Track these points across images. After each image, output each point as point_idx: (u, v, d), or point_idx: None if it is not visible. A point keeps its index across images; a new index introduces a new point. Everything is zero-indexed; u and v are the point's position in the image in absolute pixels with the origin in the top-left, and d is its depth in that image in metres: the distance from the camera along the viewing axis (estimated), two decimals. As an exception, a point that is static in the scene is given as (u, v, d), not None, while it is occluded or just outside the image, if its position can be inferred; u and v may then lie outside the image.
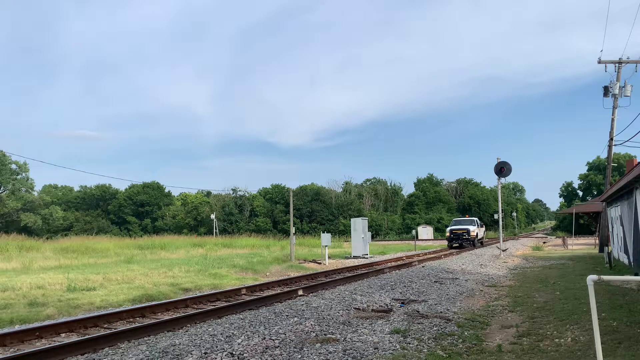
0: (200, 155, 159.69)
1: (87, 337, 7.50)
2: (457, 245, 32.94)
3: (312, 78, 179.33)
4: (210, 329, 7.80)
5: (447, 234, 34.33)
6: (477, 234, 33.82)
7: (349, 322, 8.29)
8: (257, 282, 15.18)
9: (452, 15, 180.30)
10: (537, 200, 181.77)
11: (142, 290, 13.14)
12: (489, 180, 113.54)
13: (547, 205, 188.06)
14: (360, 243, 26.83)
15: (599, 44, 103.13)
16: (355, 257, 26.33)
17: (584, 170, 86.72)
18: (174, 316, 9.51)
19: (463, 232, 32.82)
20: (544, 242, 44.89)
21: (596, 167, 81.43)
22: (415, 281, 13.87)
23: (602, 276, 4.74)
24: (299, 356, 6.20)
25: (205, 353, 6.30)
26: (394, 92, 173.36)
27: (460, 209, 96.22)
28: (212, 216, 69.52)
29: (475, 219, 36.94)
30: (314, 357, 6.14)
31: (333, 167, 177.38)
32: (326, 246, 23.55)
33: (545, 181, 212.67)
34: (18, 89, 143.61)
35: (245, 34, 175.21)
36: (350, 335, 7.29)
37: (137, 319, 9.46)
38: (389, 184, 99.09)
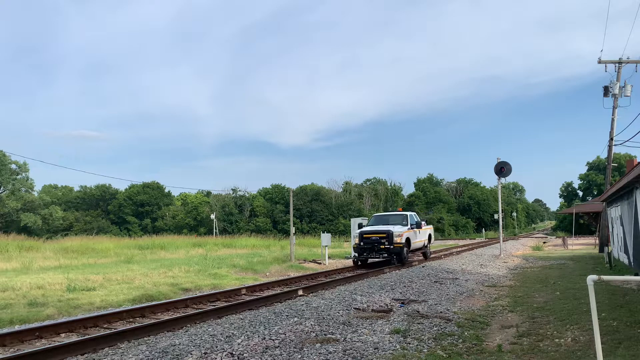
0: (200, 155, 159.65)
1: (87, 337, 7.49)
2: (378, 257, 19.68)
3: (312, 78, 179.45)
4: (210, 329, 7.80)
5: (356, 241, 19.81)
6: (407, 239, 19.62)
7: (349, 322, 8.29)
8: (257, 282, 15.17)
9: (452, 15, 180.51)
10: (537, 200, 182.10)
11: (142, 290, 13.14)
12: (489, 180, 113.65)
13: (547, 205, 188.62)
14: (360, 243, 26.72)
15: (599, 44, 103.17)
16: (355, 257, 26.24)
17: (584, 170, 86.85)
18: (174, 316, 9.50)
19: (381, 238, 19.12)
20: (544, 242, 44.90)
21: (596, 167, 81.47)
22: (415, 281, 13.87)
23: (602, 276, 4.74)
24: (299, 356, 6.20)
25: (205, 353, 6.30)
26: (394, 92, 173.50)
27: (460, 209, 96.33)
28: (212, 216, 69.53)
29: (409, 214, 21.62)
30: (314, 357, 6.14)
31: (333, 167, 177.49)
32: (326, 246, 23.53)
33: (545, 181, 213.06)
34: (18, 89, 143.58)
35: (245, 34, 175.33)
36: (350, 336, 7.29)
37: (137, 319, 9.46)
38: (389, 184, 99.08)
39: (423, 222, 22.16)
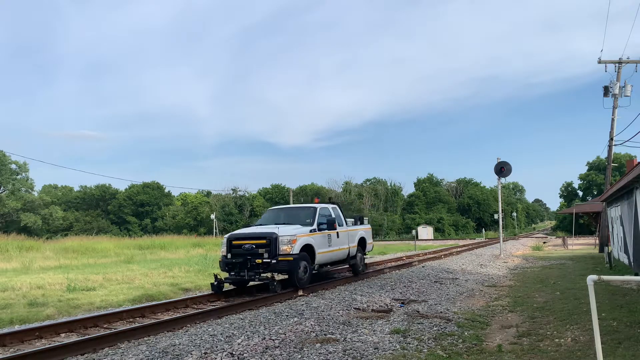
0: (200, 155, 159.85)
1: (87, 337, 7.49)
2: (256, 279, 11.70)
3: (312, 78, 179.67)
4: (210, 329, 7.80)
5: (223, 251, 12.31)
6: (306, 247, 12.27)
7: (349, 322, 8.30)
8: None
9: (452, 15, 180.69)
10: (537, 200, 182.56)
11: (142, 290, 13.14)
12: (489, 180, 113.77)
13: (547, 205, 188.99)
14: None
15: (599, 44, 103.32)
16: (355, 257, 26.12)
17: (584, 170, 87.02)
18: (174, 316, 9.50)
19: (259, 246, 11.73)
20: (544, 242, 44.92)
21: (596, 167, 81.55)
22: (415, 281, 13.87)
23: (602, 276, 4.74)
24: (299, 356, 6.20)
25: (205, 353, 6.30)
26: (394, 92, 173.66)
27: (460, 209, 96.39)
28: (212, 216, 69.59)
29: (321, 207, 14.00)
30: (314, 357, 6.15)
31: (333, 167, 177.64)
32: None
33: (545, 181, 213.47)
34: (18, 89, 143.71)
35: (245, 34, 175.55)
36: (350, 335, 7.29)
37: (137, 319, 9.46)
38: (389, 184, 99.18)
39: (350, 221, 15.46)
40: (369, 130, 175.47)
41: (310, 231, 12.61)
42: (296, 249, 11.78)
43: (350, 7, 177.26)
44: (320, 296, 11.27)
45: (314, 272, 13.15)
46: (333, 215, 14.09)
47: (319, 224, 13.02)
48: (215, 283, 11.77)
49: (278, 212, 14.78)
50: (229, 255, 12.01)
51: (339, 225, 14.01)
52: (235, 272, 11.79)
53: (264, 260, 11.47)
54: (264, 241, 11.66)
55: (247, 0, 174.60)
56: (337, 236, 13.84)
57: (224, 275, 12.12)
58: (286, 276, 12.14)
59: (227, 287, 12.32)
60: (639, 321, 7.62)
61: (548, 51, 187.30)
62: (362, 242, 15.57)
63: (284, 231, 11.93)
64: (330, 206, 14.54)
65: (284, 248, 11.60)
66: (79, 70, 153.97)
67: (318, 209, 13.60)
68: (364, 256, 15.97)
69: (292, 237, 11.86)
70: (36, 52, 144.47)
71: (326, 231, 13.20)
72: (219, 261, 12.47)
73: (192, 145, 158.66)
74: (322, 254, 12.98)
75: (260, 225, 13.47)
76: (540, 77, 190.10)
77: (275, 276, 11.53)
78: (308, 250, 12.30)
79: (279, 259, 11.46)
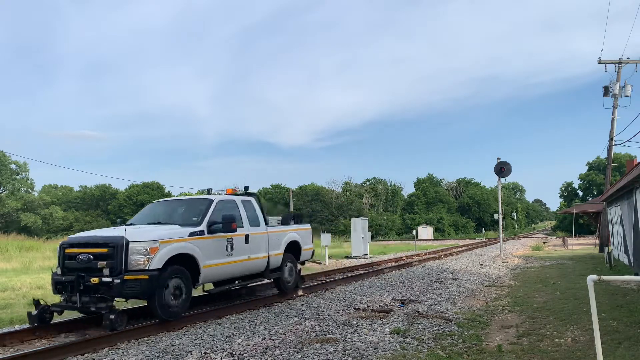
0: (200, 155, 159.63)
1: (87, 337, 7.49)
2: (93, 308, 7.56)
3: (312, 78, 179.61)
4: (210, 329, 7.81)
5: (57, 264, 8.24)
6: (179, 258, 8.15)
7: (349, 322, 8.30)
8: (257, 282, 15.15)
9: (452, 15, 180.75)
10: (537, 200, 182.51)
11: (142, 290, 13.12)
12: (489, 180, 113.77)
13: (547, 205, 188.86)
14: (360, 243, 26.82)
15: (599, 44, 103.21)
16: (355, 257, 26.31)
17: (584, 170, 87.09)
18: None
19: (97, 257, 7.70)
20: (544, 242, 44.94)
21: (596, 167, 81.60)
22: (415, 281, 13.87)
23: (602, 276, 4.74)
24: (299, 356, 6.21)
25: (205, 353, 6.30)
26: (394, 92, 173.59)
27: (460, 209, 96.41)
28: (212, 216, 69.49)
29: (219, 199, 9.70)
30: (314, 357, 6.15)
31: (333, 167, 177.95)
32: (326, 246, 23.52)
33: (545, 181, 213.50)
34: (18, 89, 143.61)
35: (245, 34, 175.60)
36: (350, 335, 7.29)
37: (137, 318, 9.45)
38: (389, 184, 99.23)
39: (274, 219, 12.13)
40: (369, 130, 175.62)
41: (192, 234, 8.62)
42: (157, 262, 7.81)
43: (350, 7, 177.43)
44: (320, 296, 11.28)
45: (235, 287, 10.30)
46: (241, 212, 10.06)
47: (210, 224, 9.02)
48: (35, 313, 7.77)
49: (160, 207, 10.65)
50: (58, 275, 8.16)
51: (253, 226, 10.25)
52: (66, 297, 7.94)
53: (104, 279, 7.54)
54: (104, 250, 7.82)
55: (247, 0, 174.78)
56: (246, 240, 9.92)
57: (56, 299, 8.37)
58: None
59: (60, 316, 8.28)
60: (639, 321, 7.62)
61: (548, 51, 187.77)
62: (293, 248, 11.71)
63: (138, 234, 8.02)
64: (239, 199, 10.33)
65: (136, 260, 7.72)
66: (79, 70, 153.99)
67: (214, 203, 9.52)
68: (298, 267, 12.02)
69: (152, 243, 7.84)
70: (36, 52, 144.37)
71: (223, 234, 9.19)
72: (51, 278, 8.36)
73: (192, 145, 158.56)
74: (215, 267, 9.07)
75: (131, 225, 9.32)
76: (540, 77, 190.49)
77: (114, 304, 7.77)
78: (185, 262, 8.39)
79: (126, 277, 7.54)
